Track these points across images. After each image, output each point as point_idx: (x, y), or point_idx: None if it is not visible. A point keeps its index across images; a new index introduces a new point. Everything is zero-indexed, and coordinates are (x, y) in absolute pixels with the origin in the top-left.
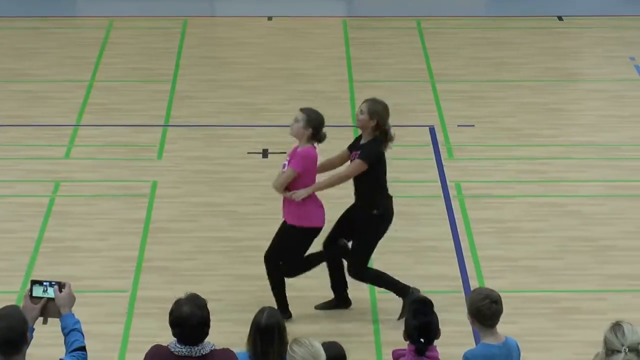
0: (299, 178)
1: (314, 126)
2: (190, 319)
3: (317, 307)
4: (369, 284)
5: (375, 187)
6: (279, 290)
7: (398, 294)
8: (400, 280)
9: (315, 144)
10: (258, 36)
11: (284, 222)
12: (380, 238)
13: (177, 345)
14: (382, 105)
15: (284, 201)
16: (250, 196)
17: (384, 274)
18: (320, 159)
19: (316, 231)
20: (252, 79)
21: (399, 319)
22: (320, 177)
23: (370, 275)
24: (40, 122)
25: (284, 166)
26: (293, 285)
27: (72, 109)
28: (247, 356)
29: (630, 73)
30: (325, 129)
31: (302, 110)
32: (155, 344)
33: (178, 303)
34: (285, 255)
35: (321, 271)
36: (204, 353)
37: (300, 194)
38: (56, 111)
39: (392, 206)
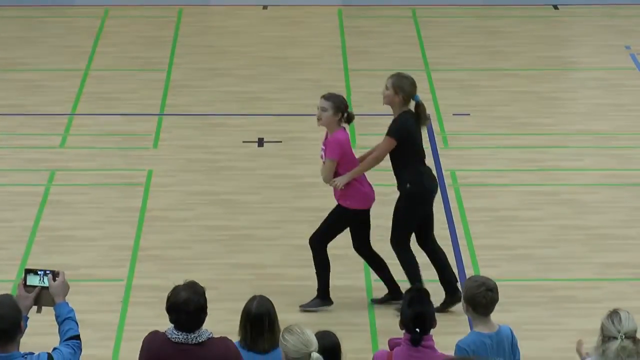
0: (340, 163)
1: (342, 110)
2: (187, 305)
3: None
4: (399, 261)
5: (405, 161)
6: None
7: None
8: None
9: (345, 125)
10: (253, 25)
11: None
12: (417, 212)
13: (174, 331)
14: (408, 80)
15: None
16: (245, 185)
17: (417, 267)
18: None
19: (361, 212)
20: (247, 68)
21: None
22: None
23: (405, 257)
24: (35, 111)
25: (321, 156)
26: (288, 274)
27: (68, 98)
28: (238, 345)
29: (626, 62)
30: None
31: (324, 98)
32: (153, 330)
33: (176, 289)
34: (325, 228)
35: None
36: (200, 341)
37: (339, 181)
38: (51, 100)
39: (428, 179)
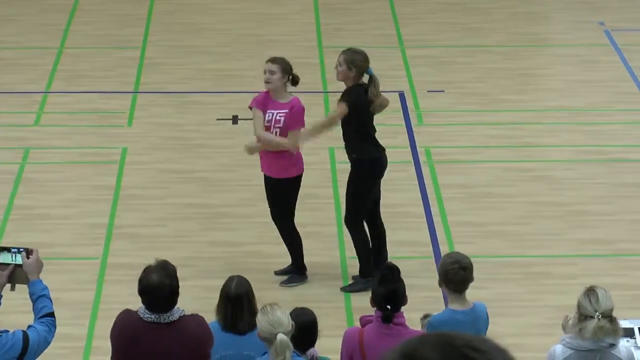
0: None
1: (289, 73)
2: (159, 289)
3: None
4: (353, 240)
5: (355, 133)
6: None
7: (361, 271)
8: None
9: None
10: (228, 2)
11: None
12: (366, 185)
13: (146, 311)
14: (361, 55)
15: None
16: (220, 163)
17: (369, 247)
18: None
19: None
20: (221, 45)
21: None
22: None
23: (358, 235)
24: (9, 89)
25: (273, 124)
26: (264, 252)
27: (42, 76)
28: (217, 325)
29: (600, 38)
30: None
31: (271, 61)
32: (125, 308)
33: (147, 271)
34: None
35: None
36: (172, 319)
37: (303, 138)
38: (25, 78)
39: (375, 152)
